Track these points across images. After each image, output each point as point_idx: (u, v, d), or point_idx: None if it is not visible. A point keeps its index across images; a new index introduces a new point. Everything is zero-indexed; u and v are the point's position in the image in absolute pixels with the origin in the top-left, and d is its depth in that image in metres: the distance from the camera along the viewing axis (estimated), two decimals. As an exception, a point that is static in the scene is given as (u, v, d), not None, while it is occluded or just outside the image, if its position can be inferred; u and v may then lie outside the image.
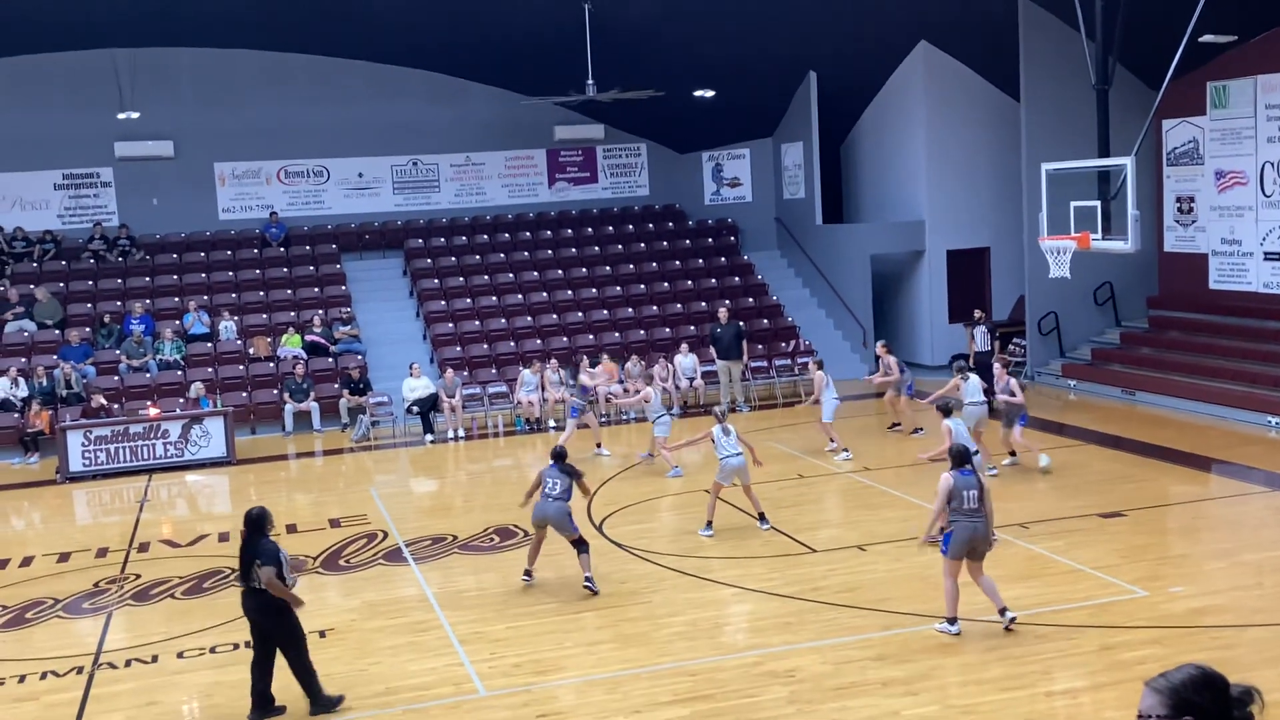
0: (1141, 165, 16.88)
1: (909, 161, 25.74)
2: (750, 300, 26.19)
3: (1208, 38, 19.33)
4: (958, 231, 25.60)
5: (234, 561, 13.31)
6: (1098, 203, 15.76)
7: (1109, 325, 23.90)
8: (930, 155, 25.23)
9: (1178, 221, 23.01)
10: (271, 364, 23.17)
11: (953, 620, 10.26)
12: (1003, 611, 10.28)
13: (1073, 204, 15.95)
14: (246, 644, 10.91)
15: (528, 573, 12.34)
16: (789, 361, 24.15)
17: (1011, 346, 24.44)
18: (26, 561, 14.35)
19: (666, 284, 26.67)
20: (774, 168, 28.71)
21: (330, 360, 23.41)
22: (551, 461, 12.25)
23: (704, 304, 25.94)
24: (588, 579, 11.90)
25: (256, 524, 9.29)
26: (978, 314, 21.70)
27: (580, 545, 11.99)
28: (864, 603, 11.21)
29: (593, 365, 21.45)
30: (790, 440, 18.15)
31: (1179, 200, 22.92)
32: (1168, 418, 19.68)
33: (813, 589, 11.68)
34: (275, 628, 9.28)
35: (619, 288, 26.44)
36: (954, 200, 25.42)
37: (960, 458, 10.56)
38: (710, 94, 26.29)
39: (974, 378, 16.69)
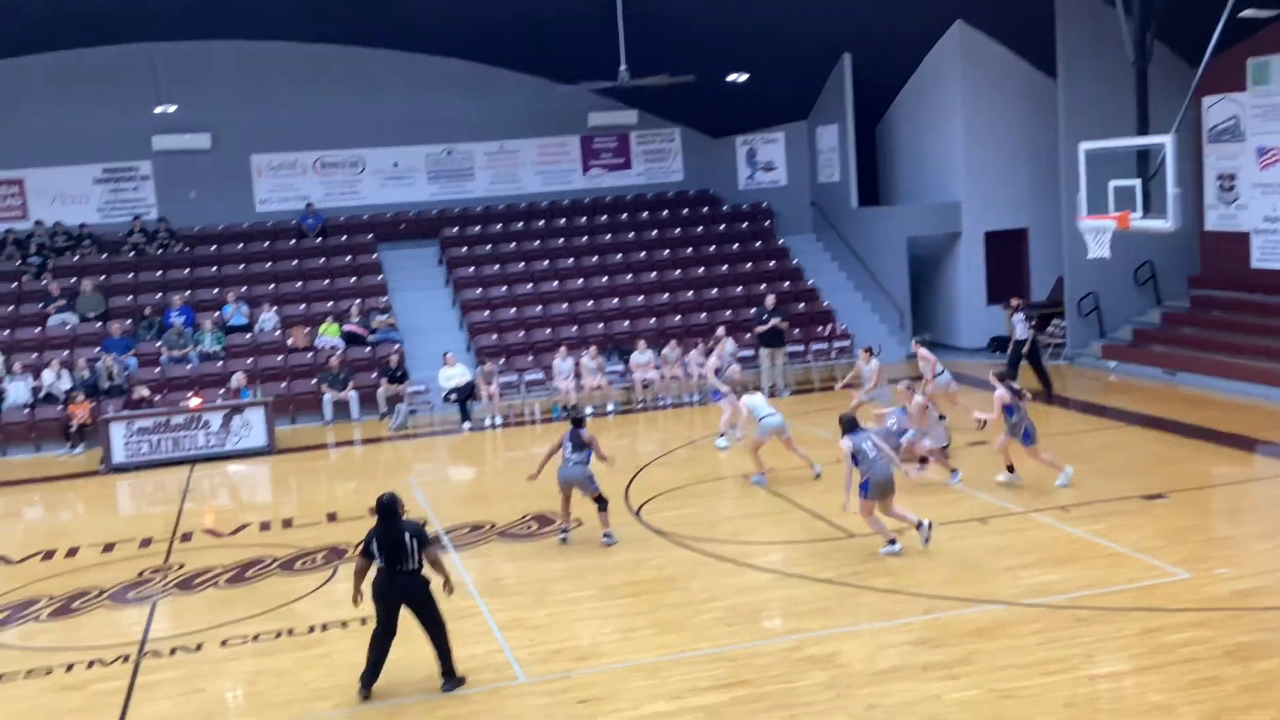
0: (1181, 143, 16.66)
1: (945, 143, 25.53)
2: (786, 284, 26.10)
3: (1248, 12, 18.99)
4: (995, 213, 25.38)
5: (277, 551, 13.50)
6: (1137, 181, 15.56)
7: (1150, 305, 23.64)
8: (967, 136, 25.01)
9: (1219, 199, 22.70)
10: (310, 354, 23.33)
11: (893, 541, 11.99)
12: (919, 525, 12.02)
13: (1112, 183, 15.77)
14: (290, 632, 11.03)
15: (564, 530, 13.26)
16: (825, 345, 24.07)
17: (1051, 328, 24.26)
18: (72, 552, 14.54)
19: (702, 269, 26.62)
20: (809, 151, 28.56)
21: (368, 350, 23.55)
22: (571, 427, 13.11)
23: (740, 289, 25.88)
24: (606, 534, 12.93)
25: (390, 509, 9.41)
26: (1015, 301, 21.46)
27: (601, 502, 12.95)
28: (903, 587, 11.16)
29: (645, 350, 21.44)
30: (827, 425, 18.03)
31: (1220, 178, 22.60)
32: (1210, 398, 19.45)
33: (851, 573, 11.64)
34: (427, 604, 9.47)
35: (654, 274, 26.43)
36: (991, 181, 25.19)
37: (850, 424, 12.20)
38: (744, 78, 26.17)
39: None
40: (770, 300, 23.13)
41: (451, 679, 9.53)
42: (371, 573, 9.50)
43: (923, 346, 18.88)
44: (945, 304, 26.18)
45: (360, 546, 9.51)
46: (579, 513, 13.72)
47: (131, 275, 25.32)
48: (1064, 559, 11.72)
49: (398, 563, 9.32)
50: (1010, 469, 14.54)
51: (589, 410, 21.32)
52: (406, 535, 9.35)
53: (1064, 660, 9.30)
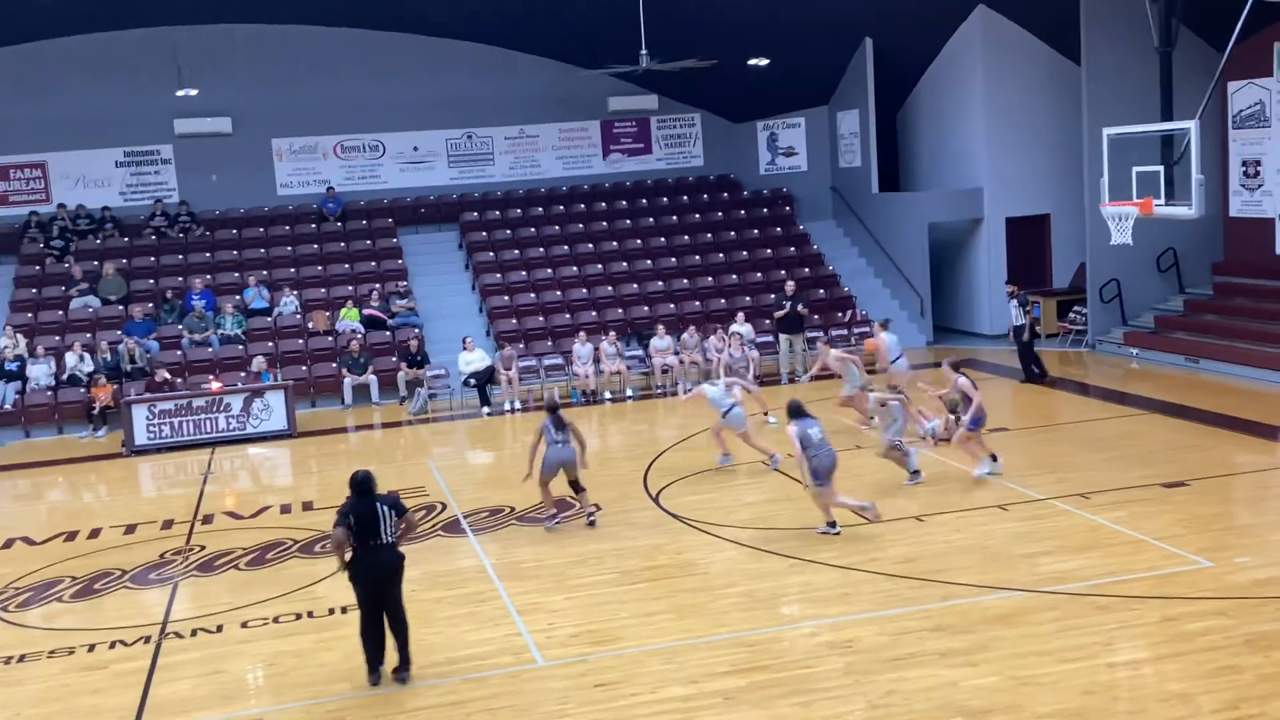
0: (1206, 128, 16.50)
1: (967, 128, 25.39)
2: (806, 270, 26.03)
3: (1275, -4, 18.81)
4: (1017, 198, 25.25)
5: (297, 534, 13.57)
6: (1161, 167, 15.45)
7: (1172, 292, 23.48)
8: (989, 121, 24.87)
9: (1243, 186, 22.52)
10: (330, 338, 23.41)
11: (833, 524, 12.35)
12: (861, 508, 12.44)
13: (1135, 169, 15.66)
14: (310, 614, 11.10)
15: (554, 517, 13.40)
16: (845, 332, 24.01)
17: (1072, 315, 24.13)
18: (94, 533, 14.66)
19: (721, 255, 26.57)
20: (829, 136, 28.45)
21: (388, 334, 23.61)
22: (549, 415, 13.28)
23: (759, 274, 25.83)
24: (590, 515, 13.34)
25: (366, 484, 9.40)
26: (1010, 288, 21.33)
27: (578, 486, 13.29)
28: (922, 573, 11.15)
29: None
30: (848, 411, 18.01)
31: (1245, 164, 22.42)
32: (1233, 386, 19.33)
33: (870, 560, 11.63)
34: (397, 586, 9.47)
35: (674, 259, 26.39)
36: (1013, 167, 25.05)
37: (796, 410, 12.40)
38: (764, 63, 26.07)
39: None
40: (790, 286, 23.08)
41: (406, 670, 9.45)
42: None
43: (884, 331, 18.96)
44: (966, 290, 26.08)
45: (336, 520, 9.40)
46: (596, 497, 13.74)
47: (153, 259, 25.44)
48: (1084, 546, 11.69)
49: (374, 537, 9.27)
50: (994, 457, 14.40)
51: (607, 395, 21.39)
52: (383, 507, 9.34)
53: (1083, 648, 9.28)
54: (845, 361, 17.54)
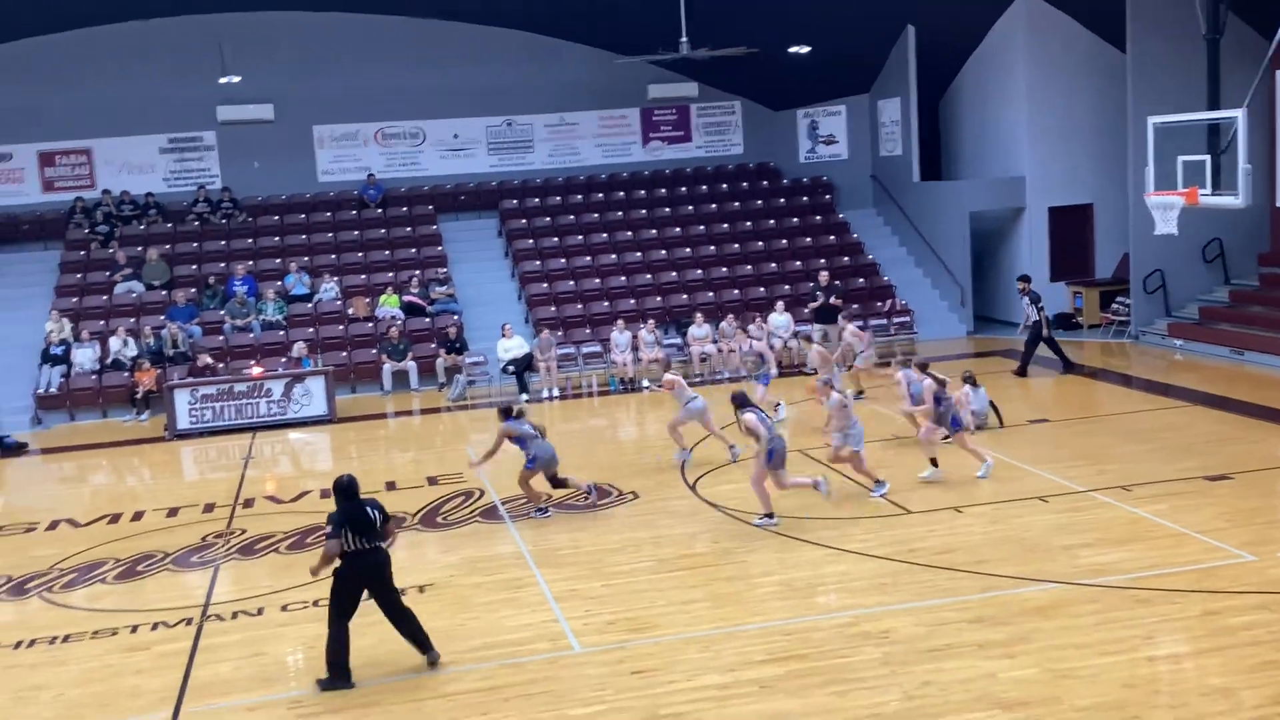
0: (1253, 117, 16.26)
1: (1010, 116, 25.15)
2: (846, 259, 25.91)
3: (1327, -18, 18.50)
4: (1060, 188, 25.00)
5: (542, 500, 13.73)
6: (1207, 157, 15.27)
7: (1218, 283, 23.19)
8: (1032, 110, 24.63)
9: (1293, 175, 22.17)
10: (370, 324, 23.56)
11: (770, 515, 12.56)
12: (817, 485, 12.69)
13: (1180, 158, 15.47)
14: (365, 597, 11.18)
15: (544, 509, 13.63)
16: (885, 321, 23.89)
17: (1115, 306, 23.88)
18: (137, 516, 14.85)
19: (761, 243, 26.50)
20: (870, 124, 28.28)
21: (427, 320, 23.73)
22: (514, 417, 13.81)
23: (799, 263, 25.74)
24: (543, 508, 13.66)
25: (352, 489, 9.39)
26: (1022, 284, 20.99)
27: (559, 481, 13.69)
28: (960, 564, 11.09)
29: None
30: (886, 400, 17.94)
31: (1294, 153, 22.06)
32: (1278, 378, 19.06)
33: (908, 550, 11.58)
34: (390, 584, 9.51)
35: (713, 247, 26.35)
36: (1056, 156, 24.81)
37: (744, 401, 12.71)
38: (805, 50, 25.93)
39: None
40: (824, 277, 22.99)
41: (428, 650, 9.51)
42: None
43: (851, 322, 18.84)
44: (1008, 280, 25.83)
45: (329, 530, 9.30)
46: (632, 485, 13.77)
47: (196, 244, 25.69)
48: (1124, 539, 11.58)
49: (370, 539, 9.28)
50: (934, 463, 14.00)
51: (645, 383, 21.39)
52: (371, 510, 9.33)
53: (1123, 641, 9.20)
54: (827, 360, 17.47)
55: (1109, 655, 8.95)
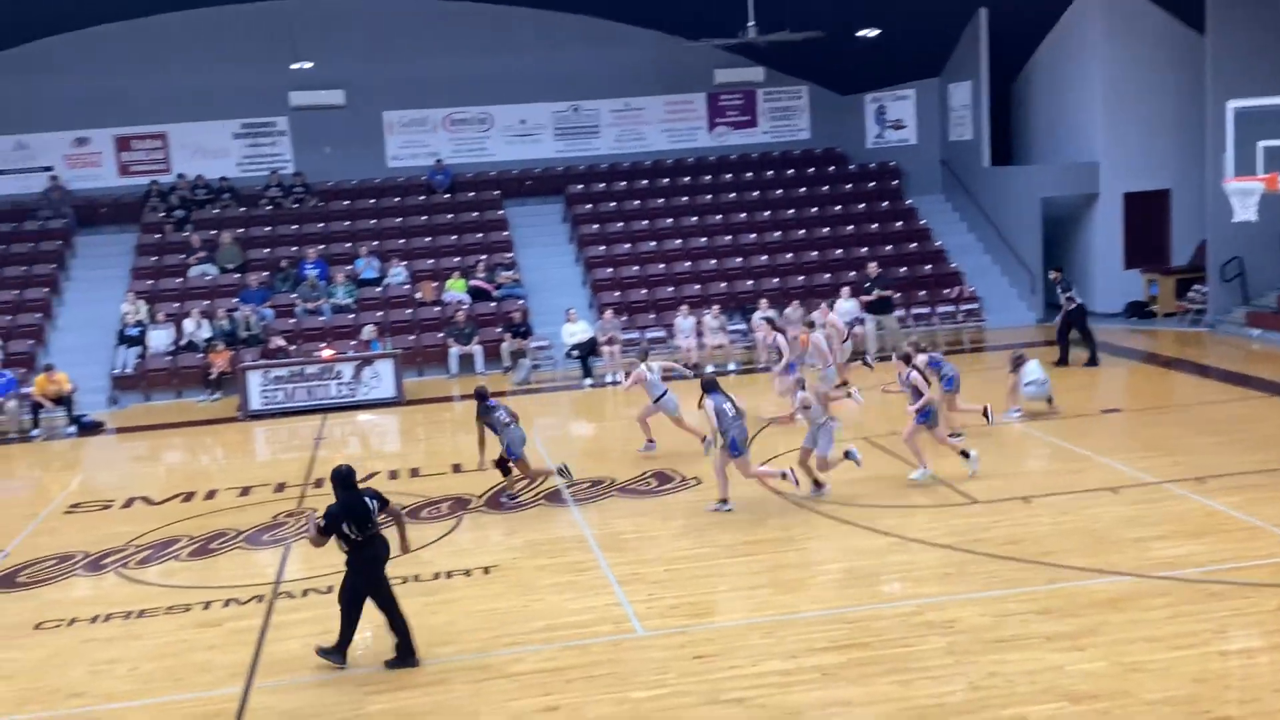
0: (1338, 101, 15.83)
1: (1084, 100, 24.72)
2: (913, 245, 25.66)
3: None
4: (1135, 173, 24.54)
5: (405, 499, 13.82)
6: (1289, 141, 14.88)
7: (1298, 271, 22.66)
8: (1107, 93, 24.19)
9: (1378, 161, 21.55)
10: (437, 308, 23.76)
11: (725, 500, 12.67)
12: (784, 475, 12.69)
13: (1260, 144, 15.10)
14: (416, 578, 11.33)
15: (513, 496, 13.73)
16: (952, 308, 23.64)
17: (1191, 294, 23.42)
18: (211, 494, 15.13)
19: (827, 229, 26.32)
20: (940, 109, 27.94)
21: (493, 305, 23.88)
22: (488, 400, 13.77)
23: (865, 249, 25.54)
24: (511, 494, 13.82)
25: (349, 478, 9.36)
26: (1054, 274, 20.58)
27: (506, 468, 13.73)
28: (1027, 555, 10.96)
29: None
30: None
31: (1380, 138, 21.43)
32: (1361, 370, 18.60)
33: (974, 540, 11.47)
34: (383, 575, 9.49)
35: (779, 233, 26.22)
36: (1132, 140, 24.35)
37: (711, 385, 12.78)
38: (874, 33, 25.66)
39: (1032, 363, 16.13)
40: (873, 268, 22.78)
41: (407, 656, 9.33)
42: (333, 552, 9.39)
43: (831, 312, 18.62)
44: (1080, 267, 25.44)
45: (324, 524, 9.25)
46: (695, 471, 13.79)
47: (269, 228, 26.07)
48: (1198, 531, 11.37)
49: (369, 527, 9.25)
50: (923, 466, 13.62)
51: (709, 369, 21.35)
52: (368, 500, 9.32)
53: (1195, 635, 9.04)
54: (816, 352, 17.21)
55: (1180, 649, 8.81)
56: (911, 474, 13.64)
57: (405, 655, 9.36)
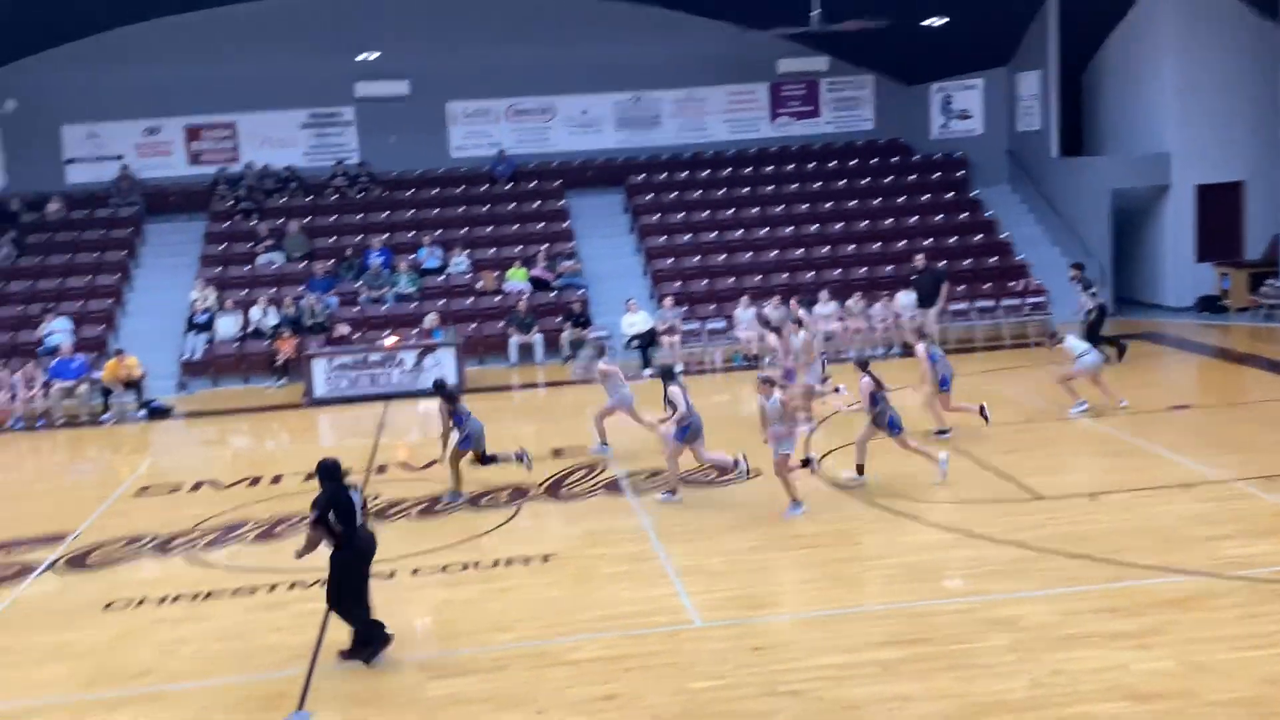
0: None
1: (1156, 90, 24.28)
2: (979, 237, 25.37)
3: None
4: (1208, 165, 24.06)
5: (465, 486, 13.93)
6: (1369, 133, 14.51)
7: (1376, 266, 22.12)
8: (1179, 83, 23.73)
9: None
10: (498, 297, 23.89)
11: (673, 491, 13.01)
12: (736, 464, 13.13)
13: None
14: (475, 565, 11.42)
15: (460, 495, 13.64)
16: (1019, 301, 23.34)
17: (1265, 288, 22.94)
18: (276, 479, 15.34)
19: (890, 221, 26.09)
20: (1007, 99, 27.55)
21: (553, 294, 23.96)
22: (444, 395, 13.71)
23: (930, 240, 25.27)
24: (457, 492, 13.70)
25: (337, 470, 9.34)
26: (1074, 271, 19.97)
27: (489, 459, 13.69)
28: (1093, 552, 10.80)
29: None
30: (1018, 384, 17.56)
31: None
32: None
33: (1038, 537, 11.33)
34: (369, 567, 9.50)
35: (841, 224, 26.03)
36: (1204, 132, 23.87)
37: (670, 373, 13.38)
38: (941, 22, 25.36)
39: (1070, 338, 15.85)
40: (919, 260, 22.51)
41: (360, 650, 9.27)
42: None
43: (803, 308, 18.28)
44: (1151, 261, 25.01)
45: (315, 515, 9.17)
46: (755, 463, 13.74)
47: (334, 218, 26.36)
48: (1269, 531, 11.14)
49: (354, 521, 9.23)
50: (860, 470, 13.35)
51: (769, 360, 21.24)
52: (354, 493, 9.30)
53: (1265, 636, 8.86)
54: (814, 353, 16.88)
55: (1248, 650, 8.64)
56: (937, 469, 13.29)
57: (358, 649, 9.29)
